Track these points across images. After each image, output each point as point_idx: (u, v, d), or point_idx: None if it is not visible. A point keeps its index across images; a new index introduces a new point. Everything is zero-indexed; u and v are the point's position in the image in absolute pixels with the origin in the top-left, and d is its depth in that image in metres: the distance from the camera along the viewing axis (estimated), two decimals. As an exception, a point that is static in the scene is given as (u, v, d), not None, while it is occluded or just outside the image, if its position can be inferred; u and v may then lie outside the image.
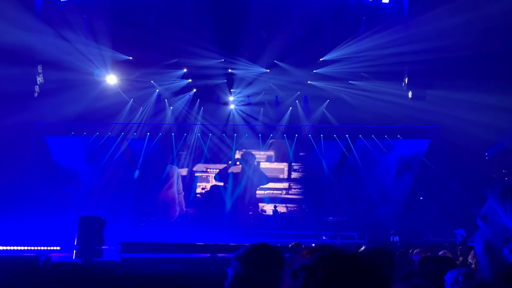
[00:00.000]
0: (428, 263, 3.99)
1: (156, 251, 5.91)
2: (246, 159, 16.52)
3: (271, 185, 16.70)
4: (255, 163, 16.65)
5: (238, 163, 16.74)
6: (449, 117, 13.73)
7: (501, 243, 1.00)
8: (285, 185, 16.81)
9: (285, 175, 16.97)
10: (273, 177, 16.85)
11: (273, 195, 16.53)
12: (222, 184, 16.35)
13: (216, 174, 16.65)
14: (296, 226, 14.53)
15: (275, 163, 17.20)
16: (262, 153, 17.10)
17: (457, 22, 11.98)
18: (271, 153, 17.25)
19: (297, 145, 16.85)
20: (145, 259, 5.58)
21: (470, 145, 13.54)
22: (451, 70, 12.99)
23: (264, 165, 17.11)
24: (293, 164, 16.96)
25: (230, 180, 16.29)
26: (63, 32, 13.70)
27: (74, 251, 5.71)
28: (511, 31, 11.88)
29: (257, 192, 16.38)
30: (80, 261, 5.49)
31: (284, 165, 17.06)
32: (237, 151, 16.97)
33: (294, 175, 16.97)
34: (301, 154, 17.05)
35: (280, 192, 16.70)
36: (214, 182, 16.62)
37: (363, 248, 3.21)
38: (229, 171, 16.54)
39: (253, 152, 16.82)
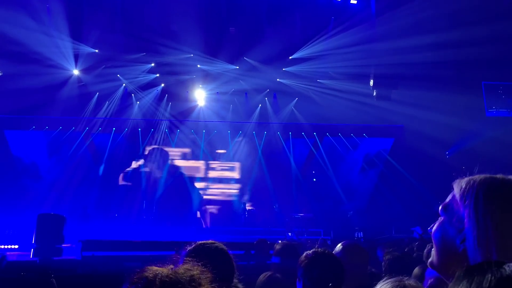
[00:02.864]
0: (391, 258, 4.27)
1: (119, 249, 5.78)
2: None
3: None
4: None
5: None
6: (412, 117, 14.18)
7: (455, 232, 1.05)
8: (201, 184, 16.41)
9: (202, 174, 16.59)
10: (190, 175, 16.32)
11: None
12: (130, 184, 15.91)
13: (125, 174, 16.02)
14: (263, 223, 14.61)
15: (191, 161, 16.68)
16: (176, 149, 16.60)
17: (421, 19, 12.40)
18: (187, 150, 16.71)
19: (266, 142, 16.90)
20: (107, 257, 5.44)
21: (432, 144, 14.04)
22: (415, 71, 13.42)
23: (179, 162, 16.53)
24: (210, 162, 16.62)
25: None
26: (25, 20, 13.13)
27: (32, 249, 5.50)
28: (473, 31, 12.41)
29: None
30: (38, 260, 5.29)
31: (201, 163, 16.64)
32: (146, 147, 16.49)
33: (212, 174, 16.62)
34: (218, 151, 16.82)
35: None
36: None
37: (339, 244, 3.28)
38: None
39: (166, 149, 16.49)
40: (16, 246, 10.16)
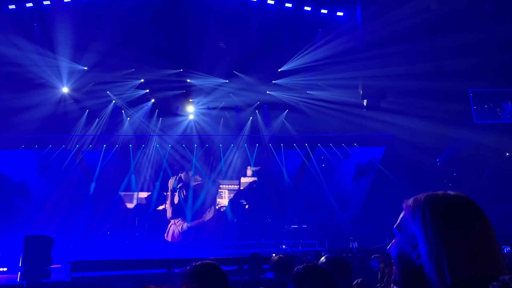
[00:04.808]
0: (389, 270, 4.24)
1: (109, 269, 5.66)
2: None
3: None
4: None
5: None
6: (402, 126, 14.30)
7: (410, 249, 1.14)
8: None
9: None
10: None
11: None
12: None
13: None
14: (257, 236, 14.50)
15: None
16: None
17: (407, 27, 12.59)
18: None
19: (258, 155, 16.85)
20: (97, 277, 5.34)
21: (422, 152, 14.14)
22: (403, 80, 13.57)
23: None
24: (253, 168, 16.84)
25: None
26: (12, 39, 13.10)
27: (19, 273, 5.39)
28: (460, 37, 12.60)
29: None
30: (25, 283, 5.18)
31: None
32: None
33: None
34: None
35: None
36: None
37: (323, 258, 3.28)
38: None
39: None
40: (5, 269, 9.94)
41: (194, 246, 13.67)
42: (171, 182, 16.00)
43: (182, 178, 16.12)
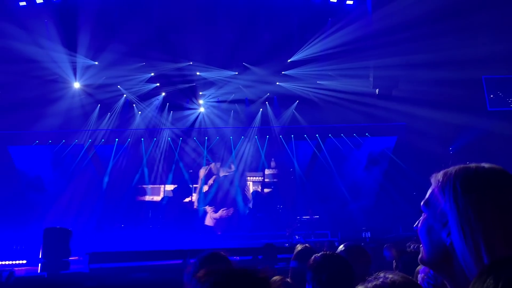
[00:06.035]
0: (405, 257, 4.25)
1: (126, 260, 5.75)
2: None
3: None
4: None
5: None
6: (414, 114, 14.14)
7: (439, 226, 1.05)
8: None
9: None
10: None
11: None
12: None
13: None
14: (270, 227, 14.55)
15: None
16: None
17: (418, 13, 12.38)
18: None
19: (269, 147, 16.84)
20: (115, 269, 5.43)
21: (435, 140, 13.98)
22: (415, 68, 13.39)
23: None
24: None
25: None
26: (23, 36, 13.21)
27: (39, 264, 5.52)
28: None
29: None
30: (46, 274, 5.30)
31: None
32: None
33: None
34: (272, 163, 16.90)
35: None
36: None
37: (341, 246, 3.29)
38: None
39: None
40: (24, 261, 10.16)
41: (208, 237, 13.77)
42: (201, 172, 16.06)
43: (212, 168, 16.15)
